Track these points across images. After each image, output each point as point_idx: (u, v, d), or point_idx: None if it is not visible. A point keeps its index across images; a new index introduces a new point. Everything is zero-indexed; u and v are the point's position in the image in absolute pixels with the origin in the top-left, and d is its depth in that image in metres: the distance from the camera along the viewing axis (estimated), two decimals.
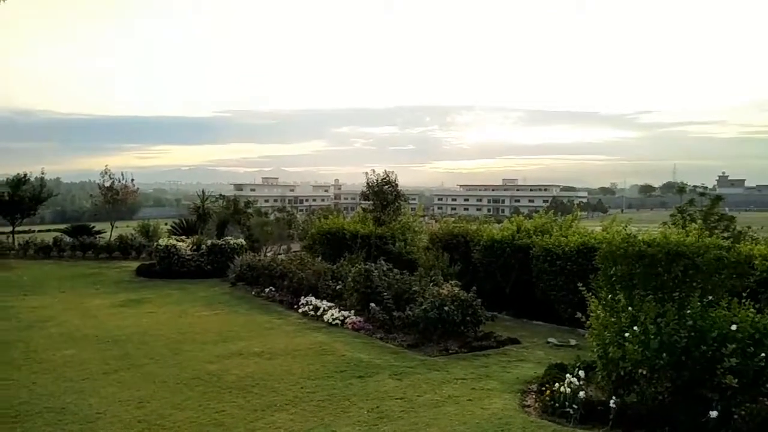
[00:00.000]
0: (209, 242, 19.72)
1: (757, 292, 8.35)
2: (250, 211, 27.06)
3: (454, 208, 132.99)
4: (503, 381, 7.95)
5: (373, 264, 12.44)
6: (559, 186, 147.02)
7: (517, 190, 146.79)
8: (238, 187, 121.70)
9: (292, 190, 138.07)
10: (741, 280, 6.68)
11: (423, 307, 10.14)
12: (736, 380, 5.88)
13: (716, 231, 23.20)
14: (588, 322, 7.13)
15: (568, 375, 6.84)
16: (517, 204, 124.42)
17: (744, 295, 6.93)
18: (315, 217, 24.62)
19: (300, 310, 12.87)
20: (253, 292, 15.34)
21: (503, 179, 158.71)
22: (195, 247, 19.53)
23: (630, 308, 6.51)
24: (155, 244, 20.54)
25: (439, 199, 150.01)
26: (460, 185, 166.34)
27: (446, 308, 9.92)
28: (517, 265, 12.78)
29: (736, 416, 5.75)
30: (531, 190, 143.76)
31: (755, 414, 5.72)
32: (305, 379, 8.10)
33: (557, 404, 6.54)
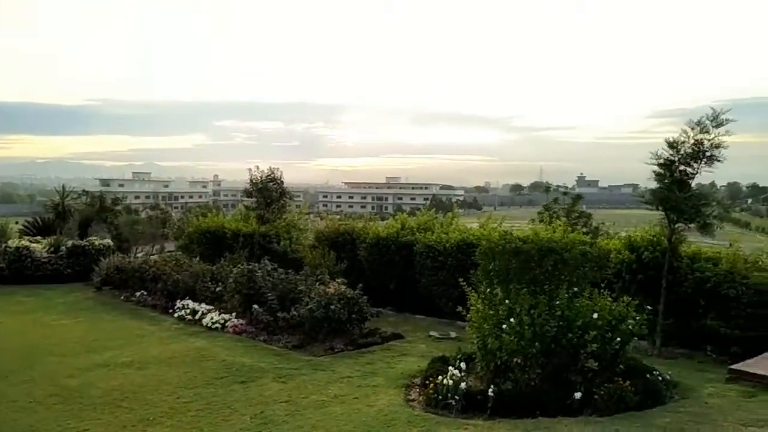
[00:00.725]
0: (70, 243, 17.85)
1: (612, 283, 9.29)
2: (118, 208, 24.92)
3: (339, 206, 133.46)
4: (388, 377, 8.05)
5: (256, 264, 12.00)
6: (438, 185, 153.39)
7: (400, 188, 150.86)
8: (105, 182, 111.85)
9: (167, 186, 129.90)
10: (601, 272, 7.36)
11: (309, 306, 9.97)
12: (597, 363, 6.45)
13: (577, 227, 25.62)
14: (468, 315, 7.43)
15: (450, 367, 7.07)
16: (399, 201, 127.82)
17: (602, 285, 7.65)
18: (192, 215, 23.30)
19: (176, 315, 12.08)
20: (122, 297, 14.13)
21: (387, 177, 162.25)
22: (52, 248, 17.57)
23: (507, 301, 6.88)
24: (3, 245, 18.18)
25: (324, 197, 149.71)
26: (345, 183, 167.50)
27: (333, 307, 9.84)
28: (401, 261, 13.04)
29: (596, 396, 6.31)
30: (413, 188, 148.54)
31: (612, 393, 6.32)
32: (182, 388, 7.58)
33: (440, 396, 6.73)
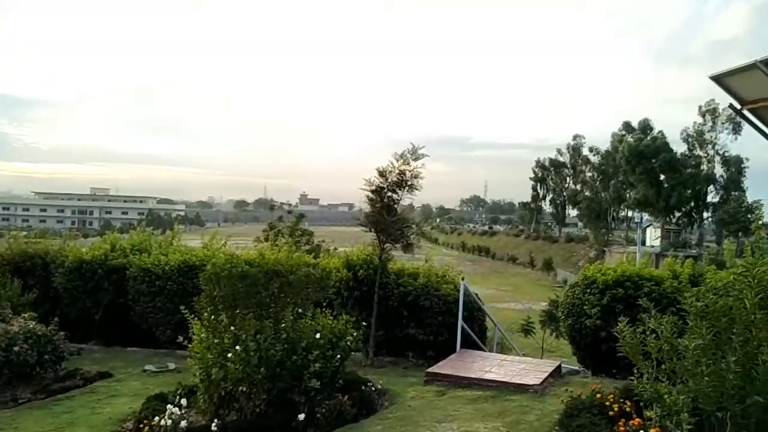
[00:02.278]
0: None
1: (332, 300, 9.88)
2: None
3: (27, 220, 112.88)
4: (92, 425, 6.95)
5: None
6: (156, 198, 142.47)
7: (109, 200, 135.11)
8: None
9: None
10: (323, 292, 7.72)
11: None
12: (319, 382, 6.70)
13: (300, 244, 26.70)
14: (190, 345, 6.94)
15: (169, 405, 6.47)
16: (108, 216, 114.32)
17: (324, 304, 8.04)
18: None
19: None
20: None
21: (92, 188, 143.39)
22: None
23: (232, 328, 6.65)
24: None
25: (4, 209, 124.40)
26: (36, 192, 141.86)
27: (17, 348, 8.07)
28: (111, 287, 11.52)
29: (318, 414, 6.54)
30: (125, 201, 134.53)
31: (332, 409, 6.64)
32: None
33: None
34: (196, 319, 7.11)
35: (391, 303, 10.32)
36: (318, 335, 6.78)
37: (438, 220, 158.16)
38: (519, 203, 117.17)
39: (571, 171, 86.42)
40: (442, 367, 8.55)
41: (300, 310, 7.13)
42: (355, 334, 7.33)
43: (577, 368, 10.09)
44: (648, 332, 5.67)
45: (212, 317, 6.90)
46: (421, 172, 10.44)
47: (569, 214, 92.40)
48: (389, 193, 10.41)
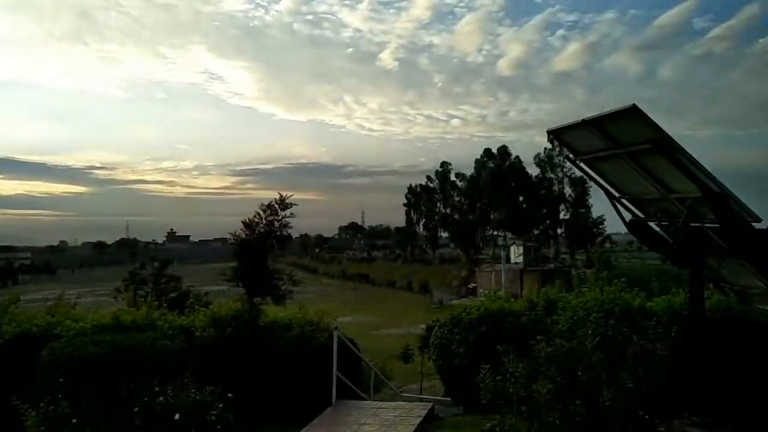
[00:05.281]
0: None
1: (199, 363, 9.21)
2: None
3: None
4: None
5: None
6: None
7: None
8: None
9: None
10: (182, 368, 7.16)
11: None
12: None
13: (166, 292, 24.83)
14: None
15: None
16: None
17: (188, 372, 7.45)
18: None
19: None
20: None
21: None
22: None
23: (74, 420, 5.90)
24: None
25: None
26: None
27: None
28: None
29: None
30: None
31: None
32: None
33: None
34: (29, 410, 6.20)
35: (264, 360, 9.86)
36: (177, 416, 6.23)
37: (317, 249, 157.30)
38: (395, 228, 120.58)
39: (441, 196, 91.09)
40: (317, 427, 8.30)
41: (157, 388, 6.53)
42: (221, 405, 6.85)
43: (450, 400, 10.39)
44: (508, 376, 5.98)
45: (50, 408, 6.07)
46: (289, 222, 10.28)
47: (441, 237, 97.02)
48: (257, 246, 10.08)
